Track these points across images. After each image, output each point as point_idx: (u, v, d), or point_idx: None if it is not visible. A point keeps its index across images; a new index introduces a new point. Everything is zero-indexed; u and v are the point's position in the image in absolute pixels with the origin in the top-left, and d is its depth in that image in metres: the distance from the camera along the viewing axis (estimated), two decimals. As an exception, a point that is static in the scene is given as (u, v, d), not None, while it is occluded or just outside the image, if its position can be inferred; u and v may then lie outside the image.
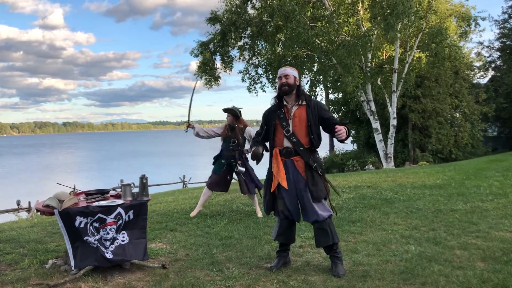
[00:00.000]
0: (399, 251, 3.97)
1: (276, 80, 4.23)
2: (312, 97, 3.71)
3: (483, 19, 20.51)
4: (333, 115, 3.69)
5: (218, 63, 19.34)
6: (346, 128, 3.39)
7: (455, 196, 6.72)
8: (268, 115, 3.70)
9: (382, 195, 7.04)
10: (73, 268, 3.53)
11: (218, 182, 6.04)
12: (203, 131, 6.03)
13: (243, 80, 20.41)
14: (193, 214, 6.10)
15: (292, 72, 3.64)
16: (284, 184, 3.54)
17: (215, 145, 6.47)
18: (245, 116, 6.10)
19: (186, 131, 6.09)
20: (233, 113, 5.98)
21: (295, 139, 3.55)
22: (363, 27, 17.39)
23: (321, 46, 17.04)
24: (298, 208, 3.64)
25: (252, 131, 5.97)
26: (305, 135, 3.56)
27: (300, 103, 3.60)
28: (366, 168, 19.77)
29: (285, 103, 3.64)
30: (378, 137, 18.80)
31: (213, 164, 6.19)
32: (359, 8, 17.44)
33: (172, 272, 3.64)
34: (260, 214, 5.98)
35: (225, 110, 6.05)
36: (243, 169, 5.84)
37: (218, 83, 19.68)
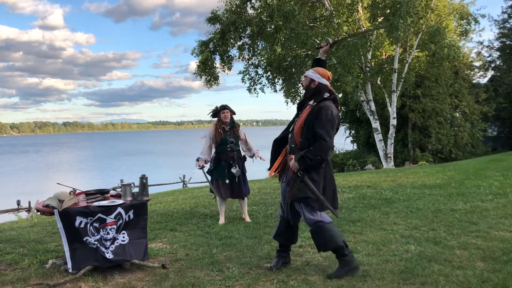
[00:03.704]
0: (399, 251, 3.97)
1: None
2: (325, 102, 3.47)
3: (483, 16, 20.42)
4: (323, 130, 3.35)
5: (218, 63, 19.36)
6: (304, 158, 3.34)
7: (455, 196, 6.72)
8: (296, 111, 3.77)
9: (382, 195, 7.04)
10: (70, 271, 3.52)
11: (226, 189, 5.69)
12: (207, 154, 5.68)
13: (243, 80, 20.40)
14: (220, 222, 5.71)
15: (308, 73, 3.60)
16: (269, 175, 3.66)
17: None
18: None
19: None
20: (232, 110, 5.79)
21: (292, 137, 3.56)
22: (363, 27, 17.39)
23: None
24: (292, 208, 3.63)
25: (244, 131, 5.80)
26: (299, 136, 3.51)
27: (311, 103, 3.56)
28: (366, 168, 19.78)
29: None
30: (378, 137, 18.80)
31: (212, 171, 5.76)
32: (358, 8, 17.45)
33: (172, 272, 3.64)
34: (248, 219, 5.72)
35: (225, 107, 5.74)
36: (239, 170, 5.63)
37: (217, 83, 19.70)
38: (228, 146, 5.65)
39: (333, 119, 3.39)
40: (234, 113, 5.83)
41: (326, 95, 3.50)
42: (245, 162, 5.88)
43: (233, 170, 5.62)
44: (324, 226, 3.44)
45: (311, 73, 3.57)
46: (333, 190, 3.51)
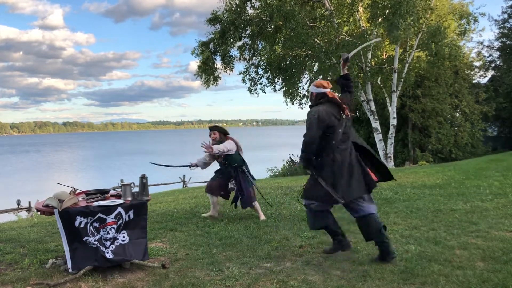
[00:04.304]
0: (399, 251, 3.97)
1: None
2: (314, 107, 3.81)
3: (482, 14, 20.37)
4: (306, 132, 3.75)
5: (219, 63, 19.34)
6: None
7: (455, 196, 6.72)
8: None
9: (382, 195, 7.04)
10: (70, 270, 3.52)
11: (216, 185, 5.91)
12: (204, 159, 5.92)
13: (243, 81, 20.38)
14: (205, 215, 6.06)
15: (309, 89, 4.08)
16: None
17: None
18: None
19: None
20: (221, 129, 5.80)
21: None
22: (363, 26, 17.39)
23: (321, 46, 17.04)
24: None
25: (226, 146, 5.52)
26: None
27: None
28: (366, 168, 19.73)
29: None
30: (378, 137, 18.80)
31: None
32: (359, 8, 17.44)
33: (172, 272, 3.64)
34: (262, 217, 5.80)
35: (211, 128, 5.83)
36: (233, 187, 5.82)
37: (216, 83, 19.68)
38: (223, 166, 5.88)
39: (311, 119, 3.69)
40: (226, 133, 5.83)
41: (321, 100, 3.85)
42: (246, 170, 5.83)
43: (230, 185, 5.90)
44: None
45: (310, 87, 4.02)
46: (346, 180, 3.64)
